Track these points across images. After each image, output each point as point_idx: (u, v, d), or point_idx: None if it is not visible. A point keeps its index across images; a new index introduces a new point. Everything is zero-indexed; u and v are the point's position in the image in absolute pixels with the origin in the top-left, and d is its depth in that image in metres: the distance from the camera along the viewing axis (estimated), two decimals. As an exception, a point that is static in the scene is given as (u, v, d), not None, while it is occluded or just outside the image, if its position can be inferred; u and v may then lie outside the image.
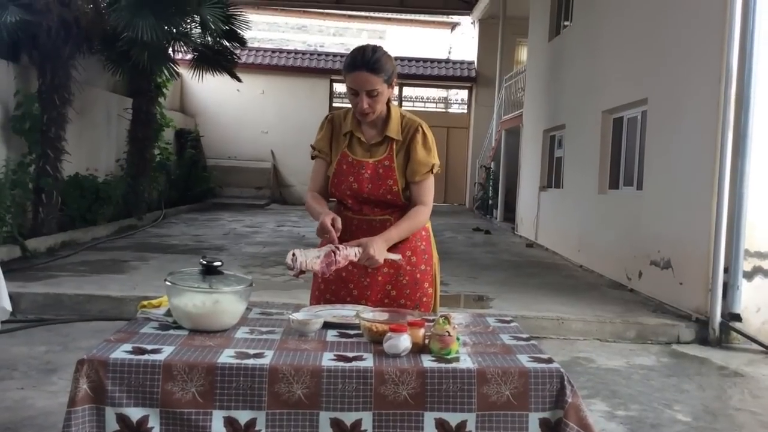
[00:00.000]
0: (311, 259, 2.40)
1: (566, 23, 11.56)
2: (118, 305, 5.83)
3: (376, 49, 2.57)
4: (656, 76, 7.30)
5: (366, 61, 2.52)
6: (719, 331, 5.79)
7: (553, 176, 11.94)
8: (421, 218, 2.65)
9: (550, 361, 2.05)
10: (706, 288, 5.93)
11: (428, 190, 2.68)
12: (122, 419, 1.89)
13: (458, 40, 25.86)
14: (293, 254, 2.38)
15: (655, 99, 7.36)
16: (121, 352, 1.97)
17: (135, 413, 1.90)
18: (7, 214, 7.76)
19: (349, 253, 2.45)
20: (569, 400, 1.96)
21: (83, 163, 10.45)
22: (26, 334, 5.15)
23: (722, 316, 5.80)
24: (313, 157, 2.78)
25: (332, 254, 2.42)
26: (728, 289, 5.80)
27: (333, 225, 2.49)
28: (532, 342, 2.28)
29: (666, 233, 6.81)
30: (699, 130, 6.28)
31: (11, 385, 3.99)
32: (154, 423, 1.90)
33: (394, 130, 2.66)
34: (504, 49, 17.54)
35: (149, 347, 2.03)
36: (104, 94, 12.06)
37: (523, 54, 17.97)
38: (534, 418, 1.96)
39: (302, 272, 2.41)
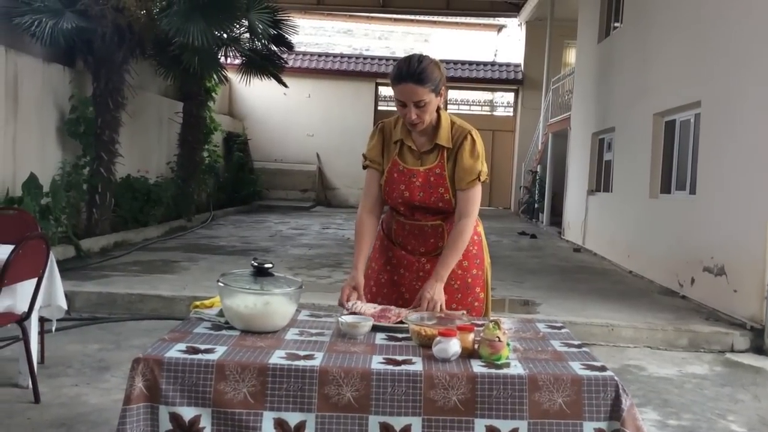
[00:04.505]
0: (367, 306, 2.51)
1: (616, 24, 11.37)
2: (169, 305, 5.95)
3: (422, 59, 2.51)
4: (710, 78, 7.12)
5: (411, 72, 2.47)
6: (776, 340, 5.63)
7: (601, 180, 11.74)
8: (464, 238, 2.59)
9: (603, 369, 2.01)
10: (762, 295, 5.76)
11: (472, 200, 2.61)
12: (175, 418, 1.92)
13: (504, 43, 25.60)
14: (356, 302, 2.52)
15: (708, 101, 7.18)
16: (175, 352, 2.00)
17: (188, 412, 1.92)
18: (63, 215, 7.98)
19: (402, 311, 2.48)
20: (625, 409, 1.91)
21: (135, 165, 10.69)
22: (80, 332, 5.28)
23: (779, 324, 5.64)
24: (364, 167, 2.75)
25: (388, 311, 2.47)
26: (785, 297, 5.65)
27: (350, 297, 2.56)
28: (584, 349, 2.24)
29: (720, 239, 6.64)
30: (754, 132, 6.10)
31: (66, 381, 4.09)
32: (205, 423, 1.92)
33: (444, 137, 2.63)
34: (551, 51, 17.33)
35: (202, 347, 2.06)
36: (156, 98, 12.30)
37: (570, 56, 17.74)
38: (589, 428, 1.92)
39: (352, 313, 2.47)
